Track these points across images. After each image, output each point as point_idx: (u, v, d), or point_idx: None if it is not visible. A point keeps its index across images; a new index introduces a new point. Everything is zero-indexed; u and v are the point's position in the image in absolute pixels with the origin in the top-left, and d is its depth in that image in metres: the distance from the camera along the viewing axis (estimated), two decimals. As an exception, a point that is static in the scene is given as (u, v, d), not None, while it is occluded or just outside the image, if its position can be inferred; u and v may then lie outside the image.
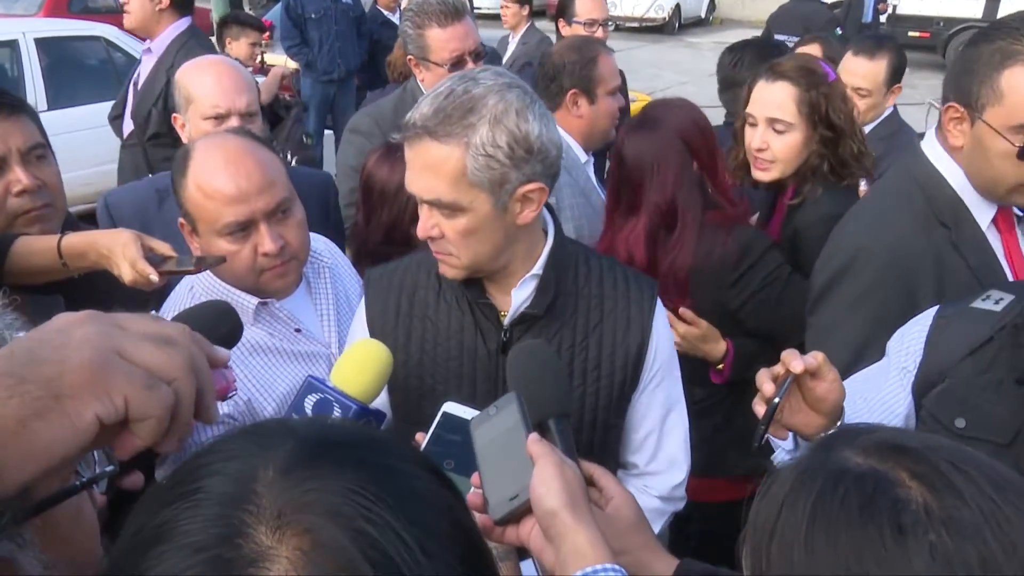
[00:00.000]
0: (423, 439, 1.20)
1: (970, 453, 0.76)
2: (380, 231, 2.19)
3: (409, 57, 2.83)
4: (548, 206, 1.53)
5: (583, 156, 2.78)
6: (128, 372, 0.63)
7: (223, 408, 1.58)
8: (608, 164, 2.68)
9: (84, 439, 0.61)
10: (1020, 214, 1.73)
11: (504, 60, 5.33)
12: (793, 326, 2.04)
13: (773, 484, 0.79)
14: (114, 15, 10.57)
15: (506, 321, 1.50)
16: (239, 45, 5.41)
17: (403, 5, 7.14)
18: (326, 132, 6.87)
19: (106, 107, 6.49)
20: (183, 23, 3.65)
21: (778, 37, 7.87)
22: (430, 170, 1.36)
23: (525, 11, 5.59)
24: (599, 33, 3.85)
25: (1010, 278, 1.67)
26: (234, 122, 2.14)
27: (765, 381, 1.27)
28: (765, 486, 0.80)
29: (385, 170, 2.18)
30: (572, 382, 1.49)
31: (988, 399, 1.33)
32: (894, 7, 14.00)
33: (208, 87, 2.18)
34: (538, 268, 1.49)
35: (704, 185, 2.16)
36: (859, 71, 3.15)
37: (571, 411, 1.14)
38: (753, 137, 2.30)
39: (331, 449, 0.60)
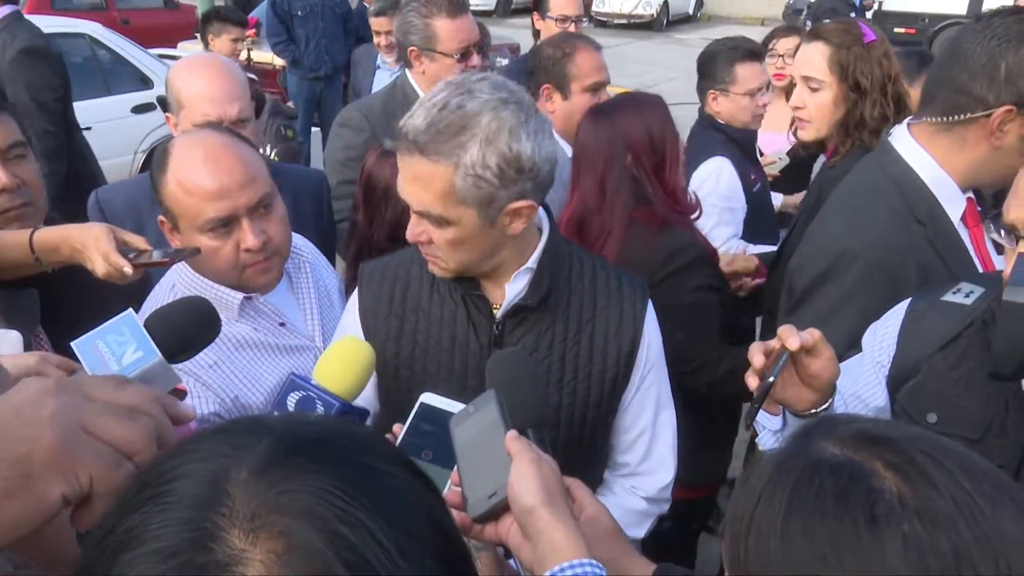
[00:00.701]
0: (400, 430, 1.20)
1: (947, 444, 0.76)
2: (385, 230, 2.20)
3: (411, 49, 2.78)
4: (543, 204, 1.52)
5: (569, 150, 2.75)
6: (94, 451, 0.67)
7: (209, 407, 1.58)
8: None
9: (49, 515, 0.65)
10: (979, 208, 1.74)
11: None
12: (697, 351, 2.07)
13: (752, 475, 0.79)
14: (99, 11, 10.60)
15: (499, 314, 1.50)
16: (221, 41, 5.38)
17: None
18: (313, 129, 6.85)
19: (90, 104, 6.49)
20: (5, 9, 3.91)
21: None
22: (419, 183, 1.36)
23: None
24: (572, 28, 3.88)
25: (980, 271, 1.67)
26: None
27: (757, 354, 1.26)
28: (744, 477, 0.80)
29: (387, 169, 2.17)
30: (564, 377, 1.50)
31: (959, 394, 1.33)
32: (879, 3, 14.08)
33: (200, 93, 2.14)
34: (532, 262, 1.49)
35: (640, 184, 2.15)
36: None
37: (549, 420, 1.14)
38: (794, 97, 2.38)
39: (307, 447, 0.59)
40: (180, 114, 2.18)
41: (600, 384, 1.52)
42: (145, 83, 6.67)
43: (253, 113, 2.24)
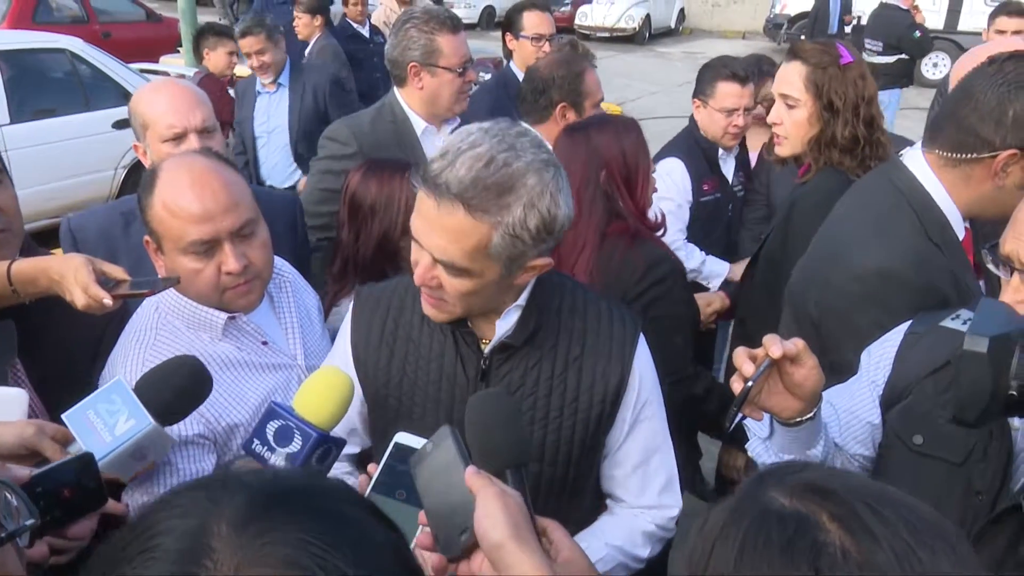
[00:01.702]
0: (375, 470, 1.21)
1: (891, 494, 0.78)
2: (371, 245, 2.23)
3: (411, 65, 2.79)
4: None
5: None
6: None
7: (194, 428, 1.58)
8: None
9: None
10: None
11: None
12: (674, 365, 2.08)
13: (707, 521, 0.81)
14: (80, 25, 10.55)
15: (486, 349, 1.51)
16: (217, 55, 5.39)
17: (373, 20, 7.14)
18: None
19: (70, 120, 6.47)
20: None
21: (867, 41, 8.42)
22: (451, 235, 1.33)
23: (317, 21, 6.22)
24: (545, 48, 3.93)
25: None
26: (192, 140, 2.14)
27: (744, 361, 1.28)
28: (700, 522, 0.81)
29: (372, 186, 2.21)
30: (549, 413, 1.49)
31: (945, 418, 1.35)
32: (858, 18, 14.26)
33: (162, 108, 2.17)
34: (522, 299, 1.49)
35: (612, 199, 2.18)
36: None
37: (528, 461, 1.14)
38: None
39: (283, 500, 0.61)
40: (146, 135, 2.20)
41: (585, 422, 1.52)
42: (126, 98, 6.61)
43: (218, 124, 2.26)
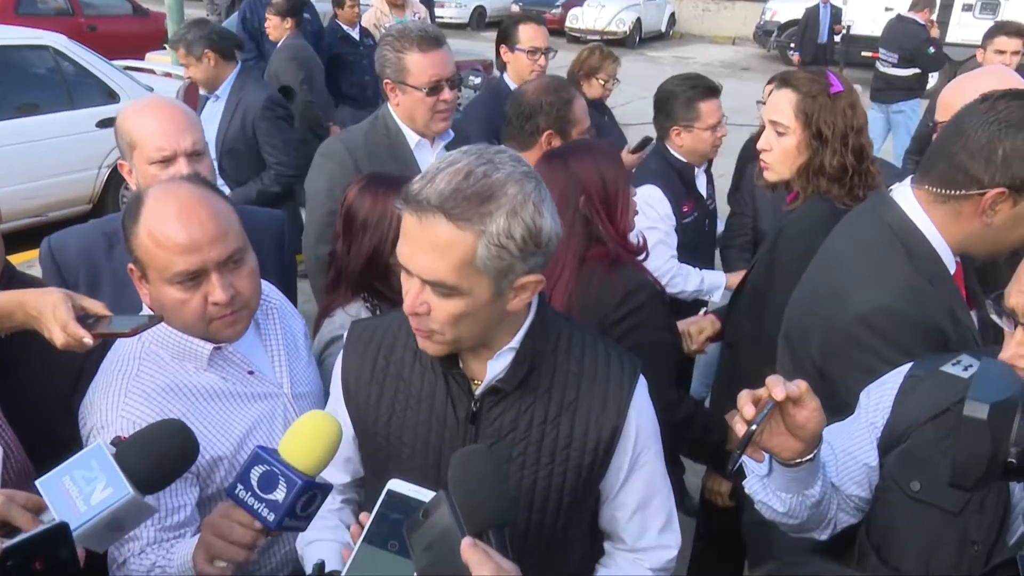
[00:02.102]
0: (367, 519, 1.18)
1: None
2: (361, 258, 2.20)
3: (385, 81, 2.82)
4: None
5: None
6: None
7: None
8: None
9: None
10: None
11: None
12: (656, 392, 2.02)
13: None
14: (65, 18, 10.42)
15: (477, 392, 1.47)
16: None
17: (363, 22, 7.09)
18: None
19: (54, 118, 6.37)
20: None
21: (882, 51, 8.45)
22: (436, 251, 1.30)
23: (288, 23, 6.27)
24: (541, 61, 3.90)
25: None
26: (181, 164, 2.09)
27: (746, 404, 1.26)
28: None
29: (367, 201, 2.19)
30: (540, 459, 1.46)
31: (944, 466, 1.33)
32: (848, 28, 14.34)
33: (151, 130, 2.11)
34: (516, 341, 1.45)
35: (592, 224, 2.15)
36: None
37: (512, 520, 1.12)
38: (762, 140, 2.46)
39: None
40: (133, 156, 2.14)
41: (577, 470, 1.48)
42: (111, 97, 6.55)
43: (207, 146, 2.21)
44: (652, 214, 3.05)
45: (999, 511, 1.32)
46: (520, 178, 1.32)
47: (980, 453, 1.13)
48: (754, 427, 1.24)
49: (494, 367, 1.45)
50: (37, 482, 1.14)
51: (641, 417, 1.52)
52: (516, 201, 1.30)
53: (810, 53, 11.78)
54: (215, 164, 4.56)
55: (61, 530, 1.07)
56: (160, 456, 1.20)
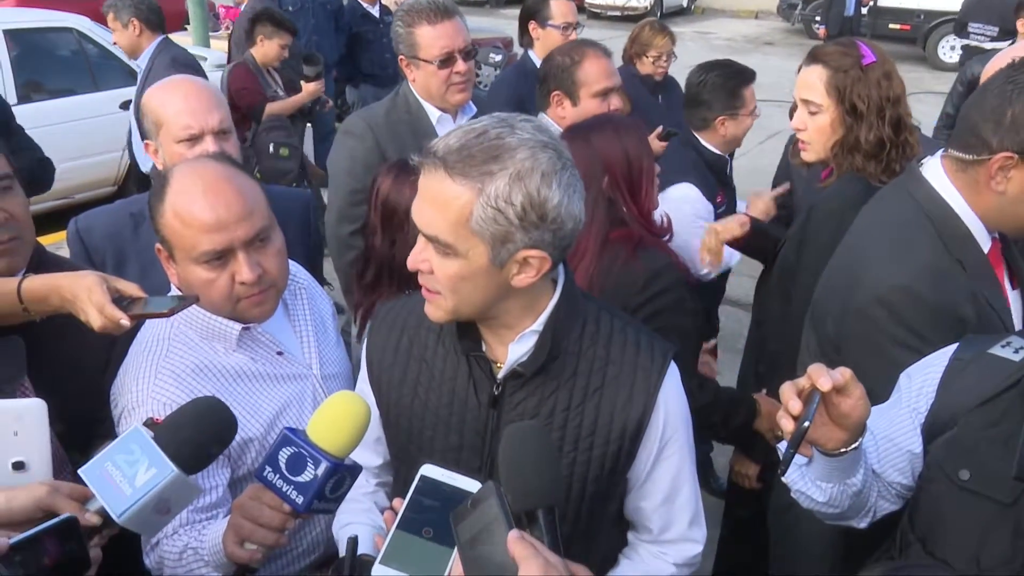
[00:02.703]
0: (401, 505, 1.16)
1: None
2: (406, 250, 2.16)
3: (400, 57, 2.82)
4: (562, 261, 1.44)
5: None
6: None
7: None
8: None
9: None
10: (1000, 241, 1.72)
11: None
12: None
13: None
14: (89, 1, 10.40)
15: (499, 375, 1.44)
16: (270, 44, 5.23)
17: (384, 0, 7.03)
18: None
19: (78, 100, 6.39)
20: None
21: (972, 25, 8.05)
22: (436, 204, 1.29)
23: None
24: (572, 36, 3.87)
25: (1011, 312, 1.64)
26: (208, 142, 2.07)
27: (791, 397, 1.22)
28: None
29: (406, 191, 2.12)
30: (563, 447, 1.42)
31: (995, 454, 1.29)
32: (875, 0, 14.05)
33: (177, 108, 2.10)
34: (538, 324, 1.41)
35: (615, 204, 2.11)
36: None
37: (560, 503, 1.08)
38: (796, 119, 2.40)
39: None
40: (159, 135, 2.13)
41: (601, 459, 1.43)
42: (133, 78, 6.54)
43: (233, 125, 2.19)
44: (690, 214, 2.92)
45: None
46: (535, 146, 1.27)
47: None
48: (806, 424, 1.19)
49: (516, 350, 1.41)
50: (80, 471, 1.14)
51: (670, 406, 1.47)
52: (523, 167, 1.25)
53: (836, 26, 11.54)
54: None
55: (70, 523, 1.07)
56: (199, 434, 1.19)
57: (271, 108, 5.08)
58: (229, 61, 6.40)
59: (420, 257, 1.35)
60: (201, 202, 1.55)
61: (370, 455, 1.61)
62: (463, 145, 1.27)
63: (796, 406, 1.21)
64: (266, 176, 4.66)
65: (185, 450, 1.15)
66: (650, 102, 4.27)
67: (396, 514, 1.15)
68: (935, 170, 1.69)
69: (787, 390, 1.23)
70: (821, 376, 1.21)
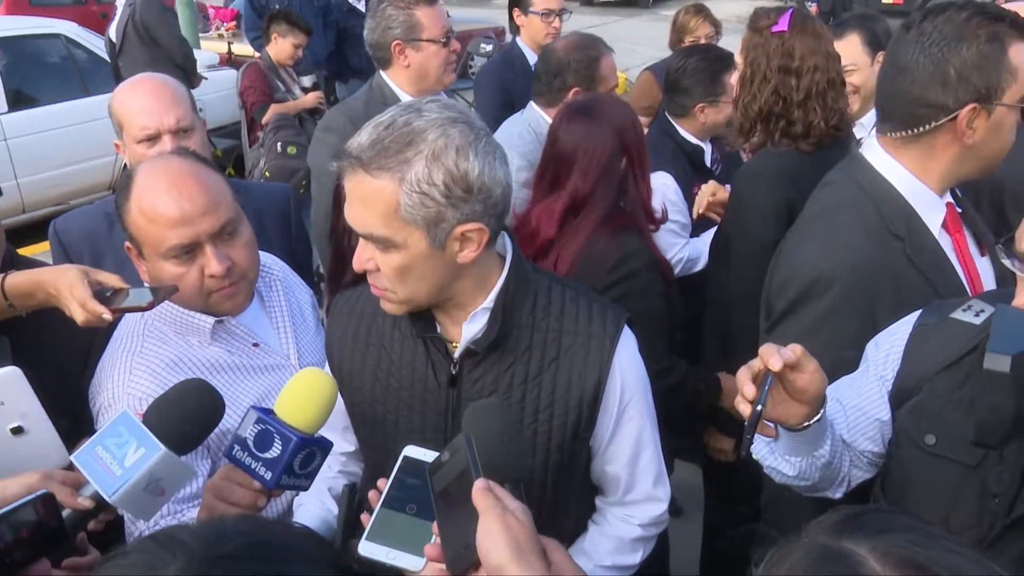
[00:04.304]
0: (384, 484, 1.18)
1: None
2: None
3: (395, 43, 2.77)
4: (506, 229, 1.46)
5: None
6: None
7: None
8: None
9: None
10: (959, 209, 1.70)
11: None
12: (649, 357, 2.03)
13: (781, 562, 0.75)
14: (78, 7, 10.43)
15: (455, 354, 1.45)
16: (283, 43, 5.30)
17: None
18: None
19: (69, 106, 6.41)
20: None
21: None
22: (363, 203, 1.31)
23: None
24: (555, 23, 3.85)
25: (963, 280, 1.64)
26: (166, 141, 2.09)
27: (745, 382, 1.23)
28: (771, 560, 0.76)
29: None
30: (524, 419, 1.44)
31: (958, 418, 1.30)
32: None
33: (135, 109, 2.13)
34: (489, 301, 1.42)
35: (625, 186, 2.13)
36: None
37: (526, 476, 1.10)
38: None
39: (219, 565, 0.59)
40: (123, 135, 2.16)
41: (562, 428, 1.45)
42: (124, 82, 6.59)
43: (196, 123, 2.20)
44: (666, 205, 2.90)
45: (1020, 461, 1.27)
46: (444, 123, 1.29)
47: (1004, 408, 1.08)
48: (760, 407, 1.20)
49: (469, 329, 1.43)
50: (72, 457, 1.16)
51: (626, 370, 1.49)
52: (437, 146, 1.27)
53: (828, 2, 11.50)
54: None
55: (46, 497, 1.09)
56: (186, 414, 1.20)
57: (274, 108, 5.17)
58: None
59: (364, 257, 1.36)
60: (165, 197, 1.56)
61: (340, 443, 1.62)
62: (375, 140, 1.28)
63: (750, 391, 1.22)
64: (275, 175, 4.70)
65: (173, 430, 1.17)
66: None
67: (380, 493, 1.17)
68: (874, 150, 1.69)
69: (741, 374, 1.24)
70: (772, 356, 1.22)
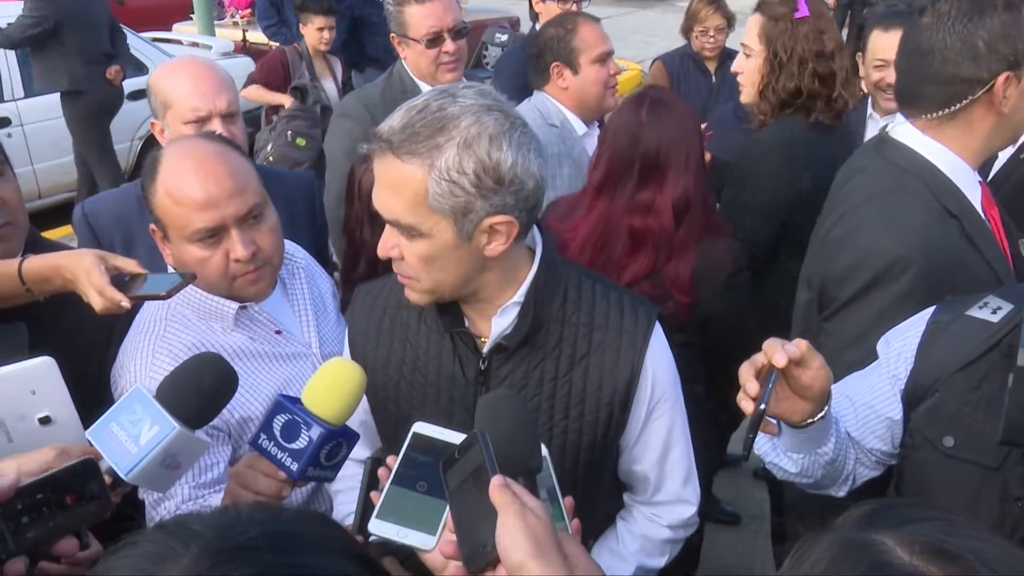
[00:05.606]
0: (394, 462, 1.16)
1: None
2: None
3: (391, 36, 2.84)
4: (537, 224, 1.42)
5: (581, 128, 2.86)
6: None
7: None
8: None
9: None
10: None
11: None
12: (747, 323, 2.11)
13: (806, 556, 0.73)
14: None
15: (484, 349, 1.42)
16: (309, 29, 5.30)
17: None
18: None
19: (85, 93, 6.38)
20: None
21: None
22: (391, 188, 1.27)
23: None
24: (573, 9, 3.87)
25: (1008, 259, 1.62)
26: (216, 124, 2.07)
27: (749, 379, 1.21)
28: (796, 555, 0.74)
29: None
30: (554, 416, 1.41)
31: (978, 418, 1.27)
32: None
33: (186, 90, 2.10)
34: (519, 296, 1.38)
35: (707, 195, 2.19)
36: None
37: (540, 468, 1.08)
38: None
39: (233, 555, 0.58)
40: (167, 116, 2.14)
41: (593, 425, 1.42)
42: (140, 69, 6.57)
43: (239, 108, 2.20)
44: None
45: None
46: (479, 110, 1.25)
47: None
48: (763, 406, 1.18)
49: (499, 323, 1.40)
50: (87, 433, 1.15)
51: (658, 367, 1.46)
52: (469, 133, 1.23)
53: (843, -5, 11.37)
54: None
55: (88, 465, 1.08)
56: (200, 388, 1.19)
57: (245, 93, 5.01)
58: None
59: (389, 244, 1.33)
60: (192, 180, 1.55)
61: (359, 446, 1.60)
62: (406, 123, 1.24)
63: (753, 388, 1.19)
64: (278, 162, 4.68)
65: (187, 405, 1.15)
66: (692, 81, 4.22)
67: (390, 471, 1.15)
68: (910, 134, 1.68)
69: (744, 371, 1.22)
70: (776, 352, 1.19)
